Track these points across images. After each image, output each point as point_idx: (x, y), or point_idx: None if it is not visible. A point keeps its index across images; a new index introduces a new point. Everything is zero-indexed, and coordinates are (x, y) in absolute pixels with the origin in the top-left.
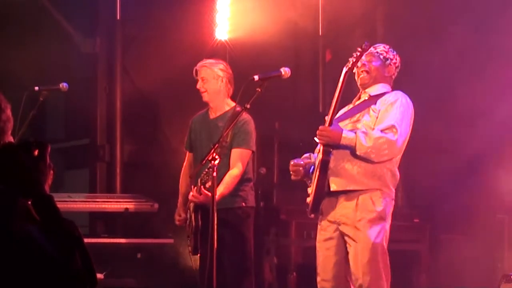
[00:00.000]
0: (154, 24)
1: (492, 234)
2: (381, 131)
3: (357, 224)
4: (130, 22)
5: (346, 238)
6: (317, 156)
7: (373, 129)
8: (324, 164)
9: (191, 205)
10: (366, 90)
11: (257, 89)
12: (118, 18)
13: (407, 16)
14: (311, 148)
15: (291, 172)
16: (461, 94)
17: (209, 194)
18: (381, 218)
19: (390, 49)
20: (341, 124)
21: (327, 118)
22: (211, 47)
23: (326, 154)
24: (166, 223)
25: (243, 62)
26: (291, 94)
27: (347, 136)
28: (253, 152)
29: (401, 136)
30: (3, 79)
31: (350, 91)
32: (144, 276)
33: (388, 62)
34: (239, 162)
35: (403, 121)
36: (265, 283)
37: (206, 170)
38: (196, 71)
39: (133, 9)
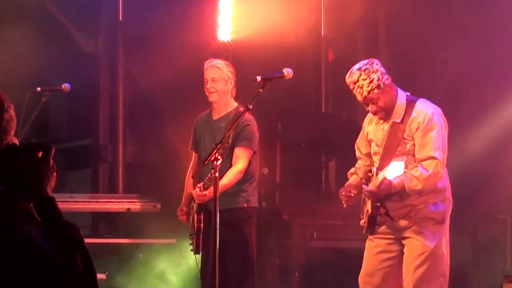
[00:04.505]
0: (156, 25)
1: (494, 234)
2: (423, 163)
3: (415, 227)
4: (132, 22)
5: (403, 240)
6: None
7: (414, 155)
8: (373, 216)
9: (195, 205)
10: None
11: (260, 89)
12: (120, 18)
13: (408, 16)
14: (314, 148)
15: (342, 201)
16: (463, 95)
17: (207, 194)
18: (439, 222)
19: (366, 71)
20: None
21: (374, 180)
22: (213, 48)
23: (376, 209)
24: (169, 223)
25: (245, 63)
26: (293, 94)
27: (395, 185)
28: (254, 152)
29: (443, 161)
30: (5, 80)
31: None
32: (146, 276)
33: (381, 83)
34: (241, 159)
35: (440, 143)
36: (267, 284)
37: (209, 175)
38: (206, 69)
39: (135, 9)
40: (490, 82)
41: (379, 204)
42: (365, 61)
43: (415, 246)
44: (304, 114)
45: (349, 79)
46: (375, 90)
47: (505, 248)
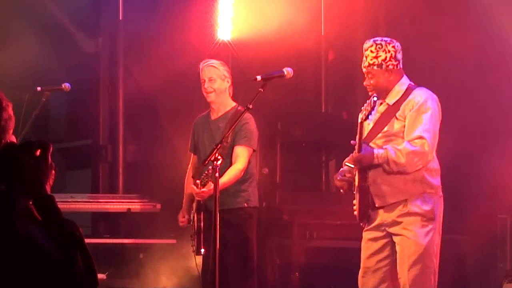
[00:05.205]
0: (156, 24)
1: (494, 234)
2: (410, 141)
3: (405, 224)
4: (132, 22)
5: (394, 238)
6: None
7: (403, 137)
8: (363, 189)
9: (194, 205)
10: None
11: (260, 89)
12: (120, 18)
13: (409, 16)
14: (314, 148)
15: (338, 187)
16: (464, 94)
17: (206, 190)
18: (429, 218)
19: (378, 46)
20: (375, 141)
21: (356, 146)
22: (213, 47)
23: (363, 180)
24: (169, 223)
25: (245, 62)
26: (293, 94)
27: (379, 155)
28: (254, 150)
29: (431, 143)
30: (5, 79)
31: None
32: (146, 276)
33: (384, 64)
34: (241, 157)
35: (431, 126)
36: (268, 284)
37: (206, 172)
38: (202, 70)
39: (136, 9)
40: (490, 80)
41: (366, 176)
42: (387, 38)
43: (408, 244)
44: (304, 114)
45: (364, 45)
46: (375, 67)
47: (505, 248)
